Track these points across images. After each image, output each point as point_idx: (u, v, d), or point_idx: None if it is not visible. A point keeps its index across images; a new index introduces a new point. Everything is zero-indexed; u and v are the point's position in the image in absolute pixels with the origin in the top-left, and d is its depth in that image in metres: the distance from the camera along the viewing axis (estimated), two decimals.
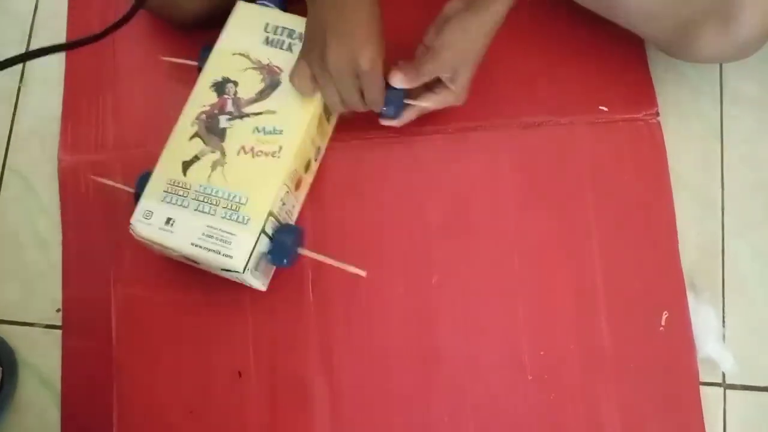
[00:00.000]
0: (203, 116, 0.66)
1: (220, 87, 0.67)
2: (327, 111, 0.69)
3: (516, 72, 0.75)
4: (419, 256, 0.72)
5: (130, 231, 0.64)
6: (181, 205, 0.64)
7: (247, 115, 0.66)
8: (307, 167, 0.70)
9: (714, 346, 0.69)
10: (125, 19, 0.60)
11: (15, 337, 0.75)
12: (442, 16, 0.67)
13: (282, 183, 0.64)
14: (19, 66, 0.82)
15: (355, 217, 0.73)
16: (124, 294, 0.73)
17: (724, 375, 0.69)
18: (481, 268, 0.71)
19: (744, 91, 0.75)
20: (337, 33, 0.61)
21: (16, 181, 0.79)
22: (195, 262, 0.66)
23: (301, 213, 0.72)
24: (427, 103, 0.68)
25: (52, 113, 0.80)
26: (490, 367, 0.69)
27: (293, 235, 0.65)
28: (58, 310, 0.75)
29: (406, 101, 0.68)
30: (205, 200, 0.64)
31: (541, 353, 0.69)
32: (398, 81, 0.65)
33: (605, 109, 0.74)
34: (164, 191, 0.64)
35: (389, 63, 0.65)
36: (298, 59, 0.64)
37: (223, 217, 0.63)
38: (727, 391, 0.68)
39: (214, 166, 0.65)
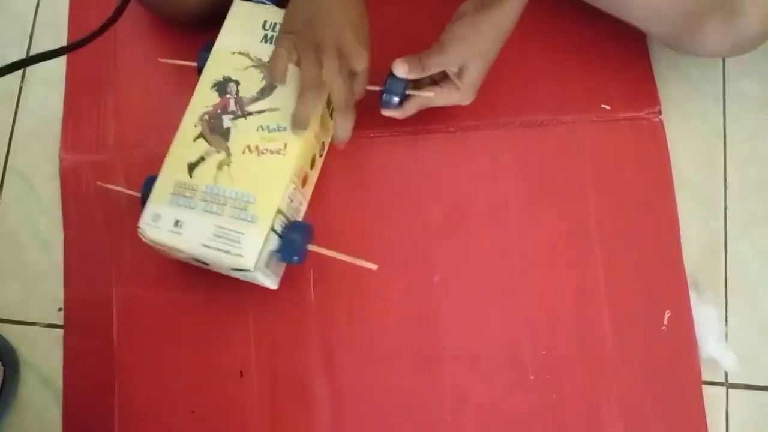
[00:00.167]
0: (206, 117, 0.66)
1: (221, 87, 0.67)
2: (330, 106, 0.69)
3: (518, 70, 0.75)
4: (421, 255, 0.72)
5: (140, 235, 0.64)
6: (188, 207, 0.64)
7: (251, 114, 0.66)
8: (313, 163, 0.70)
9: (716, 345, 0.68)
10: (119, 11, 0.60)
11: (16, 336, 0.75)
12: (457, 13, 0.67)
13: (288, 180, 0.64)
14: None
15: (356, 216, 0.73)
16: (125, 294, 0.73)
17: (726, 374, 0.68)
18: (482, 267, 0.71)
19: (747, 90, 0.75)
20: (333, 25, 0.61)
21: (17, 181, 0.79)
22: (203, 263, 0.66)
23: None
24: (430, 95, 0.67)
25: (53, 113, 0.80)
26: (492, 366, 0.69)
27: (303, 232, 0.65)
28: (59, 310, 0.75)
29: (409, 92, 0.68)
30: (213, 201, 0.64)
31: (543, 352, 0.69)
32: (401, 70, 0.65)
33: (607, 107, 0.74)
34: (171, 193, 0.64)
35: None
36: (277, 46, 0.63)
37: (231, 217, 0.63)
38: (730, 390, 0.68)
39: (220, 166, 0.65)
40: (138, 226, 0.64)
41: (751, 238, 0.72)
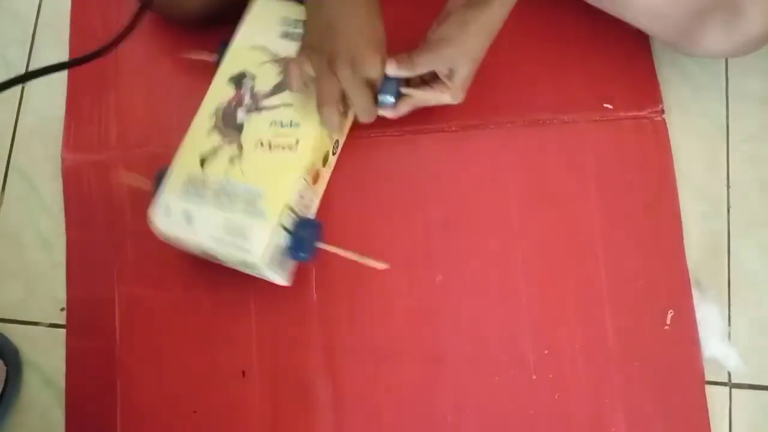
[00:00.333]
0: (221, 110, 0.66)
1: (237, 80, 0.67)
2: (345, 105, 0.69)
3: (520, 69, 0.75)
4: (423, 255, 0.72)
5: (149, 225, 0.64)
6: (199, 200, 0.64)
7: (265, 108, 0.66)
8: (325, 161, 0.70)
9: (719, 344, 0.68)
10: (130, 29, 0.60)
11: (19, 336, 0.75)
12: (444, 11, 0.67)
13: (299, 176, 0.64)
14: (23, 66, 0.82)
15: (357, 216, 0.73)
16: (127, 293, 0.74)
17: (729, 374, 0.68)
18: (484, 266, 0.71)
19: (749, 88, 0.75)
20: (344, 35, 0.61)
21: (19, 181, 0.79)
22: (213, 256, 0.66)
23: None
24: (421, 95, 0.68)
25: (55, 113, 0.80)
26: (494, 366, 0.69)
27: (312, 230, 0.65)
28: (62, 309, 0.75)
29: (403, 90, 0.68)
30: (223, 194, 0.64)
31: (546, 352, 0.69)
32: (392, 69, 0.65)
33: (610, 106, 0.74)
34: (183, 185, 0.64)
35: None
36: (292, 62, 0.64)
37: (240, 211, 0.63)
38: (733, 390, 0.68)
39: (232, 159, 0.65)
40: (148, 217, 0.64)
41: (754, 237, 0.71)
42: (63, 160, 0.78)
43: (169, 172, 0.65)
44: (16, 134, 0.81)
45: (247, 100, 0.66)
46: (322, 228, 0.66)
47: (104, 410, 0.72)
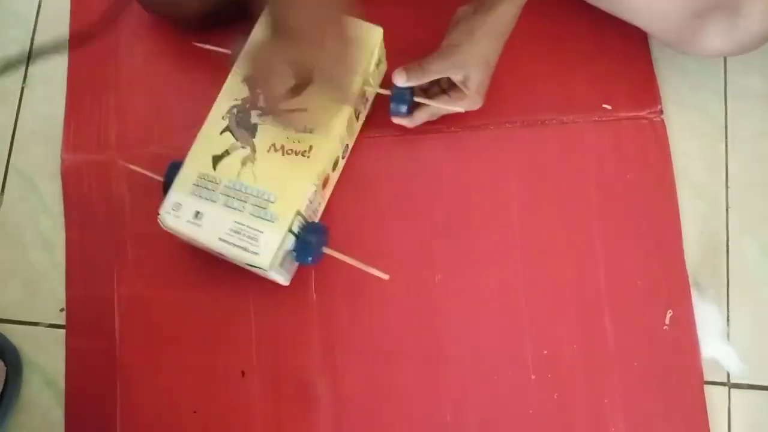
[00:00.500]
0: (234, 110, 0.66)
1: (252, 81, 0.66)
2: (357, 109, 0.69)
3: (519, 70, 0.75)
4: (422, 255, 0.72)
5: (159, 221, 0.64)
6: (210, 200, 0.64)
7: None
8: (335, 166, 0.70)
9: (718, 344, 0.68)
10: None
11: (19, 336, 0.75)
12: (454, 18, 0.67)
13: (311, 183, 0.65)
14: (23, 66, 0.82)
15: (357, 216, 0.73)
16: (127, 293, 0.74)
17: (728, 374, 0.68)
18: (484, 267, 0.71)
19: (748, 87, 0.75)
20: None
21: (19, 181, 0.79)
22: (218, 253, 0.66)
23: None
24: (438, 104, 0.68)
25: (54, 113, 0.80)
26: (494, 366, 0.69)
27: (318, 235, 0.65)
28: (61, 310, 0.75)
29: (417, 99, 0.68)
30: (234, 196, 0.64)
31: (545, 352, 0.69)
32: (400, 79, 0.65)
33: (609, 107, 0.74)
34: (194, 184, 0.64)
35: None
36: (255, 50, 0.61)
37: (251, 214, 0.63)
38: (732, 390, 0.68)
39: (245, 162, 0.65)
40: (158, 213, 0.64)
41: (752, 236, 0.71)
42: (63, 160, 0.78)
43: (180, 170, 0.65)
44: (17, 135, 0.81)
45: (262, 102, 0.66)
46: (327, 232, 0.66)
47: (104, 410, 0.72)
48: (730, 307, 0.70)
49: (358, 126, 0.72)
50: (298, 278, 0.71)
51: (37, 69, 0.82)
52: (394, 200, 0.74)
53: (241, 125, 0.66)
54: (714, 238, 0.71)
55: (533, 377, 0.69)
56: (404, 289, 0.71)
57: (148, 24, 0.80)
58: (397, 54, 0.69)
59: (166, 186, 0.66)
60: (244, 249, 0.62)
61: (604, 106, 0.74)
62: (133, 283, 0.74)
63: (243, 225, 0.63)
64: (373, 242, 0.72)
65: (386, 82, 0.67)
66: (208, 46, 0.71)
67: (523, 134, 0.74)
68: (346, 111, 0.66)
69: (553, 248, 0.71)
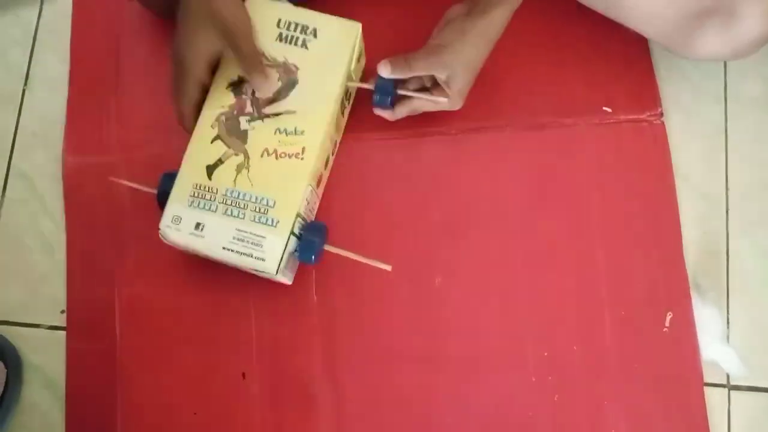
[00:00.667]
0: (223, 118, 0.66)
1: (236, 87, 0.67)
2: (342, 105, 0.69)
3: (519, 73, 0.75)
4: (422, 257, 0.72)
5: (160, 237, 0.64)
6: (209, 210, 0.64)
7: (267, 116, 0.66)
8: (327, 164, 0.71)
9: (718, 346, 0.69)
10: None
11: (19, 338, 0.75)
12: (445, 18, 0.67)
13: (307, 184, 0.65)
14: (24, 68, 0.82)
15: (357, 219, 0.73)
16: (128, 295, 0.74)
17: (728, 376, 0.69)
18: (484, 269, 0.71)
19: (748, 91, 0.75)
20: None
21: (20, 183, 0.79)
22: (223, 261, 0.66)
23: None
24: (419, 98, 0.68)
25: (56, 115, 0.80)
26: (494, 368, 0.69)
27: (320, 233, 0.66)
28: (62, 312, 0.75)
29: (400, 92, 0.69)
30: (233, 204, 0.64)
31: (545, 354, 0.69)
32: (385, 71, 0.66)
33: (609, 110, 0.74)
34: (190, 196, 0.64)
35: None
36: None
37: (252, 220, 0.63)
38: (732, 392, 0.68)
39: (239, 169, 0.65)
40: (159, 228, 0.64)
41: (752, 239, 0.72)
42: (64, 162, 0.78)
43: (175, 182, 0.65)
44: (18, 136, 0.81)
45: (249, 108, 0.66)
46: (327, 230, 0.67)
47: (104, 412, 0.72)
48: (730, 309, 0.70)
49: (343, 122, 0.73)
50: (298, 280, 0.71)
51: (38, 70, 0.82)
52: (395, 202, 0.74)
53: (232, 133, 0.66)
54: (714, 241, 0.72)
55: (533, 379, 0.69)
56: (405, 291, 0.71)
57: (150, 25, 0.80)
58: (379, 51, 0.69)
59: (160, 197, 0.66)
60: (249, 255, 0.63)
61: (604, 108, 0.74)
62: (134, 285, 0.74)
63: (245, 232, 0.63)
64: (373, 244, 0.72)
65: (368, 77, 0.67)
66: None
67: (523, 137, 0.74)
68: (332, 108, 0.66)
69: (553, 250, 0.71)
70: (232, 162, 0.65)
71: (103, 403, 0.72)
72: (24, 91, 0.82)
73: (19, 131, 0.81)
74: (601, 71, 0.75)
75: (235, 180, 0.64)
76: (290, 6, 0.69)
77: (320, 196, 0.71)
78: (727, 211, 0.72)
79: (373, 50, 0.71)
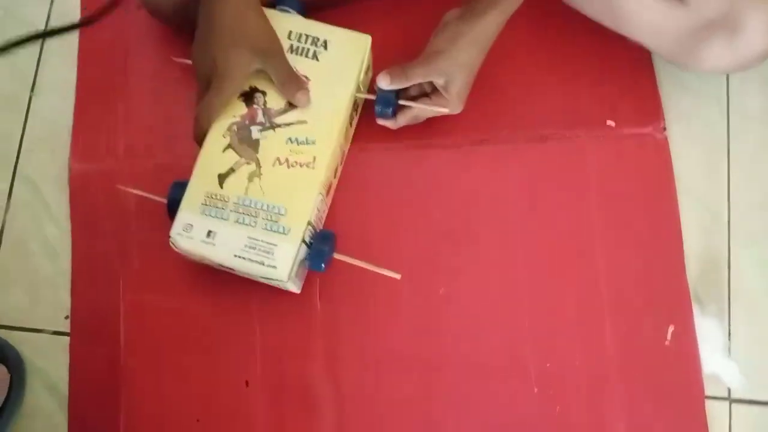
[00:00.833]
0: (234, 127, 0.66)
1: (248, 97, 0.67)
2: (351, 116, 0.70)
3: (523, 85, 0.76)
4: (426, 267, 0.72)
5: (171, 244, 0.64)
6: (220, 218, 0.64)
7: (279, 126, 0.66)
8: (336, 173, 0.71)
9: (719, 360, 0.69)
10: None
11: (23, 343, 0.75)
12: (441, 23, 0.68)
13: (318, 193, 0.65)
14: (31, 74, 0.82)
15: (362, 228, 0.74)
16: (132, 301, 0.74)
17: (729, 389, 0.69)
18: (487, 280, 0.72)
19: (751, 105, 0.76)
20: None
21: (26, 188, 0.79)
22: (230, 268, 0.66)
23: None
24: (419, 106, 0.69)
25: (63, 121, 0.80)
26: (496, 379, 0.70)
27: (329, 242, 0.66)
28: (66, 317, 0.75)
29: (401, 102, 0.69)
30: (245, 212, 0.64)
31: (547, 365, 0.69)
32: (383, 82, 0.67)
33: (612, 123, 0.74)
34: (202, 204, 0.65)
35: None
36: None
37: (264, 228, 0.64)
38: (733, 405, 0.69)
39: (251, 177, 0.65)
40: (169, 236, 0.64)
41: (754, 252, 0.72)
42: (70, 169, 0.78)
43: (187, 190, 0.65)
44: (24, 142, 0.81)
45: (260, 117, 0.67)
46: (335, 239, 0.67)
47: (107, 417, 0.72)
48: (731, 323, 0.70)
49: (351, 132, 0.73)
50: (303, 288, 0.71)
51: (45, 76, 0.83)
52: (400, 213, 0.74)
53: (244, 142, 0.66)
54: (715, 254, 0.72)
55: (536, 390, 0.69)
56: (408, 300, 0.72)
57: (158, 33, 0.80)
58: (386, 62, 0.70)
59: (170, 206, 0.66)
60: (261, 263, 0.63)
61: (607, 122, 0.75)
62: (139, 291, 0.74)
63: (257, 240, 0.63)
64: (378, 254, 0.72)
65: (373, 88, 0.68)
66: (189, 61, 0.71)
67: (526, 149, 0.75)
68: (342, 119, 0.67)
69: (555, 262, 0.72)
70: (244, 171, 0.65)
71: (106, 409, 0.72)
72: (31, 96, 0.82)
73: (25, 136, 0.81)
74: (605, 84, 0.76)
75: (246, 188, 0.65)
76: (301, 18, 0.69)
77: (329, 204, 0.72)
78: (728, 225, 0.73)
79: (379, 62, 0.71)
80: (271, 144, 0.66)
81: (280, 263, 0.63)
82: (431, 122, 0.73)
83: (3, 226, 0.78)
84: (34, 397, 0.74)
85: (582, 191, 0.73)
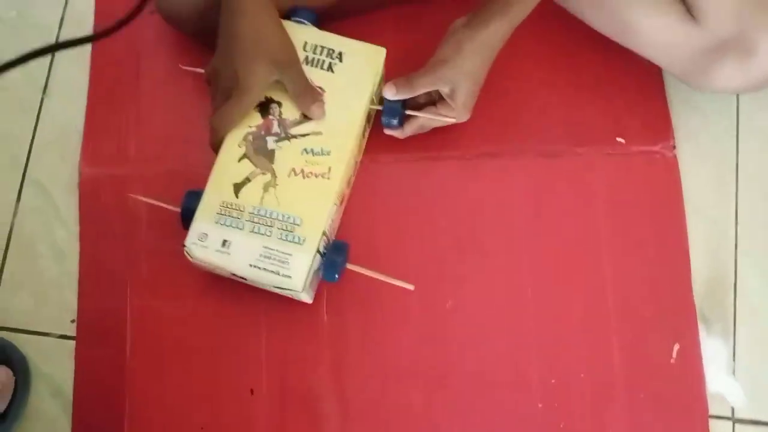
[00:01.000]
0: (250, 137, 0.67)
1: (263, 108, 0.67)
2: (364, 127, 0.70)
3: (534, 100, 0.76)
4: (434, 279, 0.73)
5: (185, 254, 0.64)
6: (236, 227, 0.64)
7: (294, 137, 0.67)
8: (349, 183, 0.72)
9: (724, 379, 0.69)
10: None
11: (28, 345, 0.75)
12: (448, 32, 0.69)
13: (332, 203, 0.66)
14: (43, 77, 0.83)
15: (370, 240, 0.74)
16: (139, 307, 0.74)
17: (733, 409, 0.69)
18: (494, 295, 0.72)
19: (760, 124, 0.76)
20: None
21: (35, 192, 0.80)
22: (242, 278, 0.66)
23: None
24: (424, 116, 0.69)
25: (73, 125, 0.80)
26: (501, 393, 0.70)
27: (343, 252, 0.66)
28: (72, 321, 0.75)
29: (408, 112, 0.70)
30: (260, 222, 0.64)
31: (552, 381, 0.69)
32: (389, 93, 0.67)
33: (622, 140, 0.75)
34: (217, 213, 0.65)
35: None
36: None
37: (279, 238, 0.64)
38: (736, 425, 0.69)
39: (266, 187, 0.66)
40: (183, 245, 0.64)
41: (761, 272, 0.72)
42: (81, 173, 0.78)
43: (202, 200, 0.65)
44: (34, 145, 0.81)
45: (276, 128, 0.67)
46: (348, 249, 0.67)
47: (111, 422, 0.72)
48: (736, 342, 0.70)
49: (364, 142, 0.74)
50: None
51: (57, 80, 0.83)
52: (409, 225, 0.74)
53: (259, 152, 0.66)
54: (722, 273, 0.72)
55: (540, 405, 0.69)
56: (415, 312, 0.72)
57: (171, 39, 0.81)
58: (396, 72, 0.70)
59: (184, 215, 0.66)
60: (276, 273, 0.63)
61: (617, 139, 0.75)
62: (146, 297, 0.74)
63: (273, 249, 0.64)
64: (384, 266, 0.72)
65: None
66: (198, 69, 0.72)
67: (535, 164, 0.75)
68: (357, 130, 0.67)
69: (562, 278, 0.72)
70: (260, 180, 0.66)
71: (110, 414, 0.72)
72: (42, 99, 0.83)
73: (35, 140, 0.81)
74: (616, 101, 0.76)
75: (262, 198, 0.65)
76: (316, 30, 0.70)
77: (341, 214, 0.72)
78: (736, 244, 0.73)
79: (391, 72, 0.72)
80: (287, 154, 0.66)
81: (296, 273, 0.63)
82: (440, 135, 0.73)
83: (11, 229, 0.79)
84: (38, 400, 0.74)
85: (589, 207, 0.74)
